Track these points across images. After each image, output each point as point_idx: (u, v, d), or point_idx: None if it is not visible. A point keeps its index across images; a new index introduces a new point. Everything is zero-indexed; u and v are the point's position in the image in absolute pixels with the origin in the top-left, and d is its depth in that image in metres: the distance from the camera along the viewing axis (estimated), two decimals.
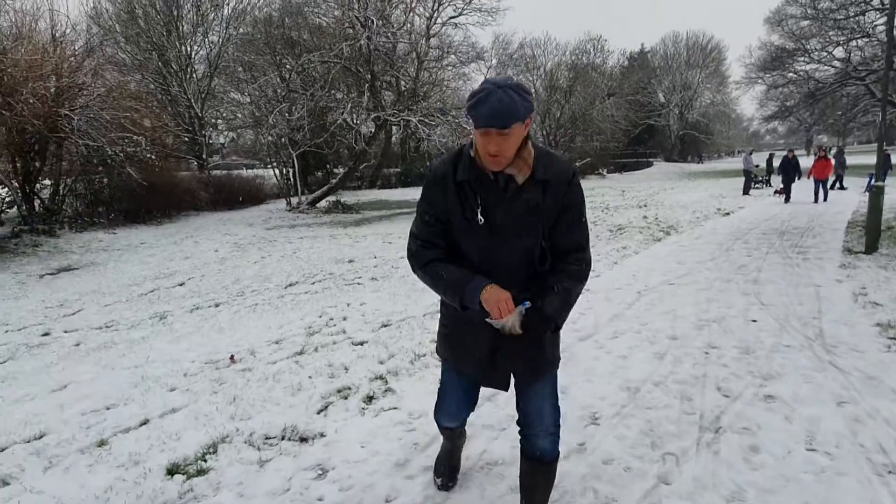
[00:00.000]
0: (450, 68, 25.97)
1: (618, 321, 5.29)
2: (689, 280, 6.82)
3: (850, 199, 16.27)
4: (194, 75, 26.04)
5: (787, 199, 16.31)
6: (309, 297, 7.13)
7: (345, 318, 5.87)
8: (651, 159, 46.58)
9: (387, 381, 4.03)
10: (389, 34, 19.42)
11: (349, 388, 3.93)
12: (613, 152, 41.47)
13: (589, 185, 29.64)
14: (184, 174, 21.68)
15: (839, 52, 25.09)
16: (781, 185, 17.00)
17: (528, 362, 2.08)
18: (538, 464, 2.17)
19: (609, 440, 3.08)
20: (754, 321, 5.00)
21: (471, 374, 2.23)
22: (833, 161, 17.30)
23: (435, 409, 2.49)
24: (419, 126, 18.58)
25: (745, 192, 18.78)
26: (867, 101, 24.37)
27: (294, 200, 21.23)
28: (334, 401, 3.74)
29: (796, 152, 18.65)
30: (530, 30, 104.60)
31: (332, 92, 20.20)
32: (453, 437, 2.66)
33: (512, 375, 2.13)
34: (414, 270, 2.06)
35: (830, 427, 3.04)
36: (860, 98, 24.76)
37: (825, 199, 15.87)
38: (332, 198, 21.43)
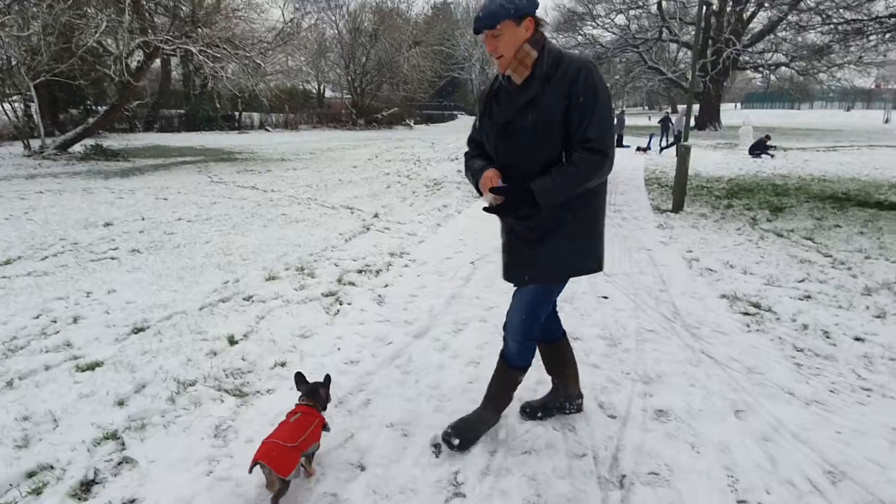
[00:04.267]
0: None
1: (456, 304, 4.33)
2: None
3: (632, 155, 17.65)
4: None
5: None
6: (28, 283, 4.88)
7: (75, 320, 3.98)
8: (455, 112, 47.36)
9: (123, 445, 2.49)
10: None
11: (50, 470, 2.31)
12: (420, 103, 41.06)
13: (397, 135, 28.77)
14: None
15: (620, 19, 27.40)
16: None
17: (518, 265, 2.32)
18: (501, 361, 2.51)
19: None
20: (605, 298, 4.42)
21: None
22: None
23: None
24: (204, 60, 15.48)
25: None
26: (640, 68, 27.16)
27: (36, 143, 16.49)
28: None
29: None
30: None
31: (80, 5, 15.78)
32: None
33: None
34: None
35: (746, 458, 2.39)
36: (635, 64, 27.49)
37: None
38: (90, 141, 17.11)
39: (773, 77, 28.90)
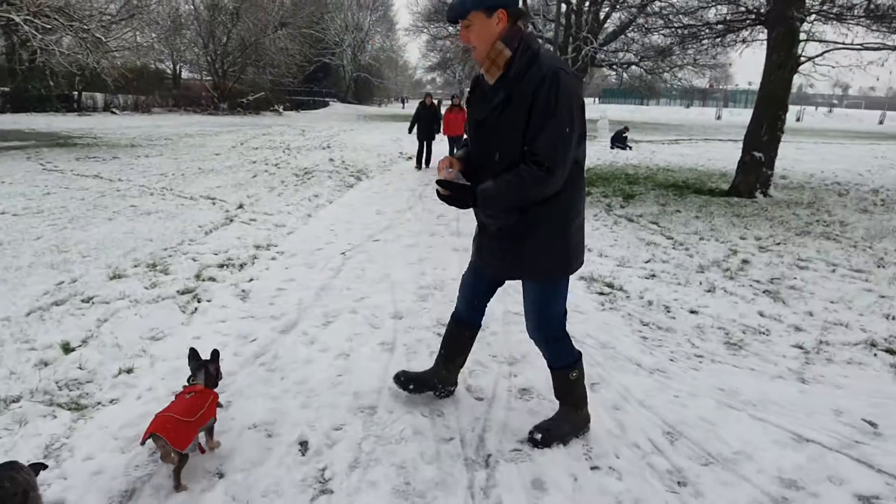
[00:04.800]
0: None
1: (326, 296, 4.20)
2: (394, 234, 6.16)
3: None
4: None
5: (419, 165, 11.79)
6: None
7: None
8: (327, 99, 46.04)
9: None
10: None
11: None
12: (288, 88, 39.34)
13: (265, 121, 27.37)
14: None
15: None
16: None
17: (497, 261, 2.32)
18: (550, 369, 2.45)
19: None
20: None
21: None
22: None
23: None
24: (31, 31, 13.52)
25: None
26: None
27: None
28: None
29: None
30: None
31: None
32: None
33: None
34: None
35: (600, 427, 2.57)
36: None
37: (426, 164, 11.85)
38: None
39: (625, 75, 31.45)
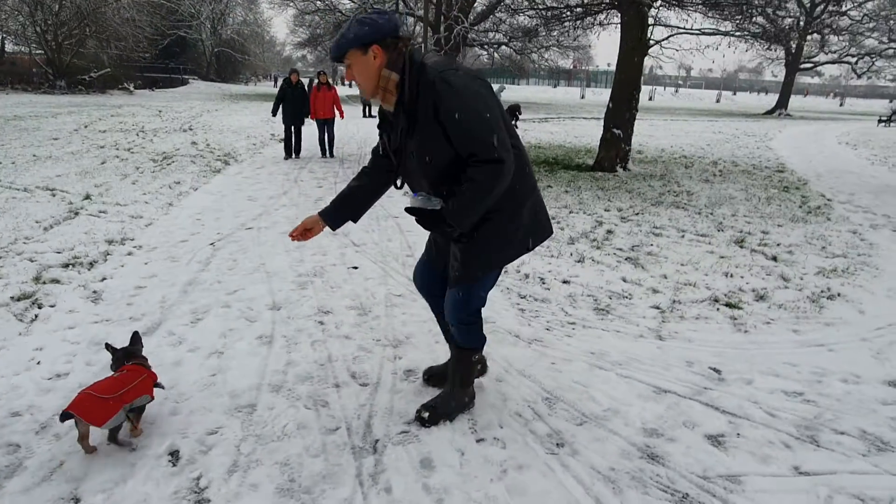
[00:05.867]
0: None
1: (195, 291, 3.89)
2: (270, 221, 5.85)
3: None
4: None
5: (288, 154, 10.36)
6: None
7: None
8: (186, 77, 42.44)
9: None
10: None
11: None
12: (140, 64, 35.67)
13: (113, 101, 24.67)
14: None
15: None
16: None
17: (457, 261, 2.24)
18: (451, 345, 2.50)
19: None
20: (356, 268, 4.44)
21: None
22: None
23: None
24: None
25: None
26: None
27: None
28: None
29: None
30: None
31: None
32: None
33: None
34: None
35: (484, 400, 2.65)
36: None
37: (330, 154, 10.60)
38: None
39: (496, 55, 32.35)
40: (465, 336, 2.41)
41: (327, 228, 2.34)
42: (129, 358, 2.41)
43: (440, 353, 3.10)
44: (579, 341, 3.32)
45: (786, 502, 2.06)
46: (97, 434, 2.23)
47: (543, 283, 4.26)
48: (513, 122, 13.82)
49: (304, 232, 2.31)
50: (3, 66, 29.94)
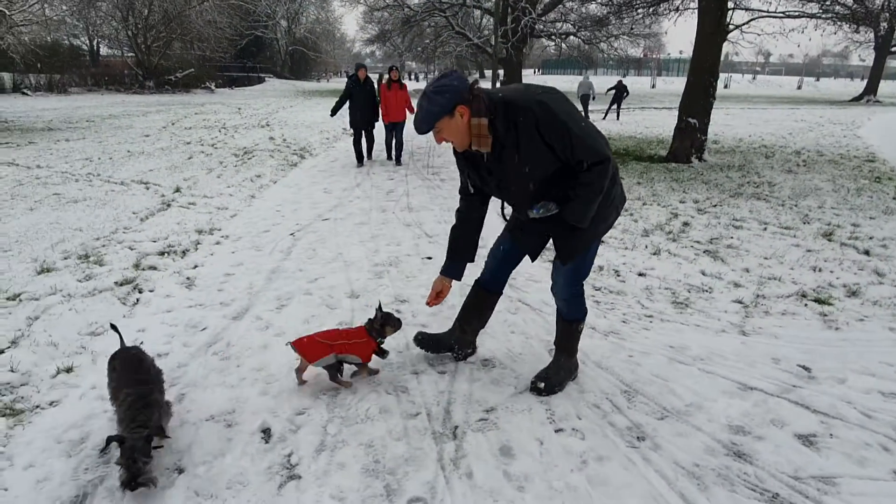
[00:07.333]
0: None
1: (278, 279, 4.09)
2: (344, 213, 6.04)
3: None
4: None
5: (360, 161, 9.22)
6: None
7: None
8: (263, 75, 44.24)
9: None
10: None
11: None
12: (220, 64, 37.54)
13: (197, 99, 26.09)
14: None
15: None
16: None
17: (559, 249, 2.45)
18: (558, 317, 2.66)
19: (324, 500, 1.98)
20: (430, 258, 4.52)
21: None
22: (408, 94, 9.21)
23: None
24: None
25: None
26: (448, 33, 27.88)
27: None
28: None
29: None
30: None
31: None
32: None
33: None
34: None
35: (560, 392, 2.63)
36: (443, 29, 28.12)
37: (397, 161, 9.32)
38: None
39: (564, 45, 31.74)
40: (575, 308, 2.60)
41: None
42: (377, 322, 2.66)
43: (515, 341, 3.13)
44: (657, 334, 3.24)
45: None
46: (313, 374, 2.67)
47: (618, 276, 4.18)
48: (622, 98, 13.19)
49: (437, 296, 2.63)
50: (98, 69, 32.32)
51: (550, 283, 2.64)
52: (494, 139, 2.18)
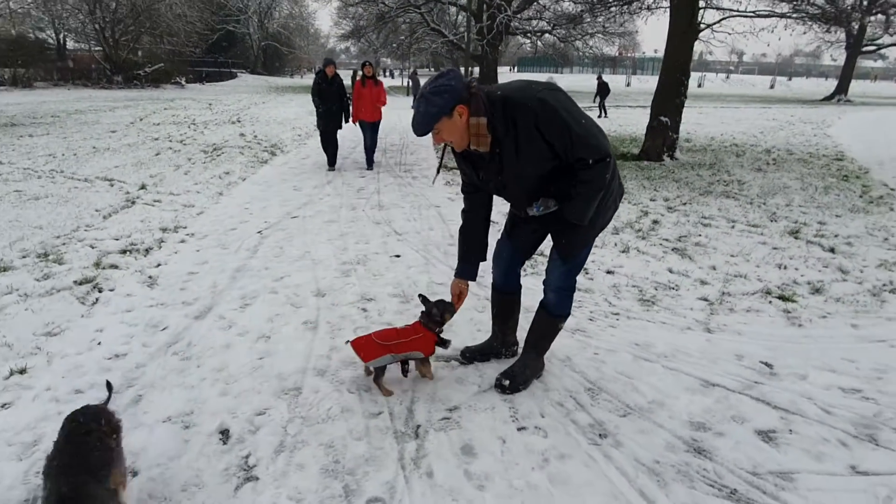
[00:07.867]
0: None
1: (243, 277, 4.01)
2: (314, 210, 5.97)
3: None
4: None
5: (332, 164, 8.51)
6: None
7: None
8: (235, 70, 43.55)
9: None
10: None
11: None
12: (191, 59, 36.81)
13: (167, 95, 25.55)
14: None
15: None
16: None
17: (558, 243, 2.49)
18: (541, 310, 2.66)
19: (281, 502, 1.94)
20: (398, 256, 4.49)
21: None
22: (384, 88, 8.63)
23: None
24: None
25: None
26: (423, 29, 27.80)
27: None
28: None
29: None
30: None
31: None
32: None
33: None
34: None
35: (524, 391, 2.62)
36: (418, 25, 28.02)
37: (369, 164, 8.61)
38: None
39: (539, 43, 31.91)
40: (565, 303, 2.59)
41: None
42: (435, 314, 2.62)
43: (481, 339, 3.11)
44: (623, 332, 3.26)
45: (842, 502, 1.98)
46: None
47: (587, 273, 4.20)
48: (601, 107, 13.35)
49: (458, 298, 2.63)
50: (64, 63, 31.40)
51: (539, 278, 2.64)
52: (493, 138, 2.16)
